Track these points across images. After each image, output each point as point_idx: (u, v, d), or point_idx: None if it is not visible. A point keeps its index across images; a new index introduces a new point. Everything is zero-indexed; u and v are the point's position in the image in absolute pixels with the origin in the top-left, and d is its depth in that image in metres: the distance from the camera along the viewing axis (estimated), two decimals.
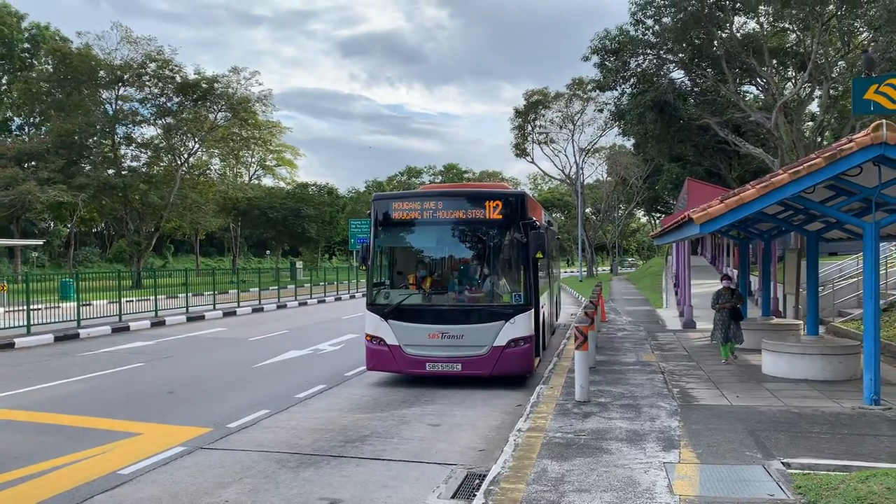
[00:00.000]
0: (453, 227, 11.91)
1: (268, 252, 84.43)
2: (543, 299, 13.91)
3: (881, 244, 11.16)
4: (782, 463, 6.74)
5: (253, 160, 70.46)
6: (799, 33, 33.73)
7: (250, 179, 72.12)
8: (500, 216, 11.55)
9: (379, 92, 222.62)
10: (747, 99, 40.18)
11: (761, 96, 38.93)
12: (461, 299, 11.74)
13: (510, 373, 11.44)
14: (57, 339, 18.26)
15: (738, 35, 33.48)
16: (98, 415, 9.69)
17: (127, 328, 21.05)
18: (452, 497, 6.41)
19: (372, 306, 11.82)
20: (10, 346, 16.98)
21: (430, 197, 12.33)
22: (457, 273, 12.05)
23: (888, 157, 8.54)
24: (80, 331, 19.35)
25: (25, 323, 18.59)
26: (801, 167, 8.89)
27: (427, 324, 11.41)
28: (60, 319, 19.98)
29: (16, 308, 19.30)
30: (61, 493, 6.45)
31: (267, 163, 72.85)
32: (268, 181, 75.66)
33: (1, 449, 8.06)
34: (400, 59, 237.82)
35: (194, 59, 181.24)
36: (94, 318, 21.31)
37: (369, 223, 12.21)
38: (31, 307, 19.16)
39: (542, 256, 11.61)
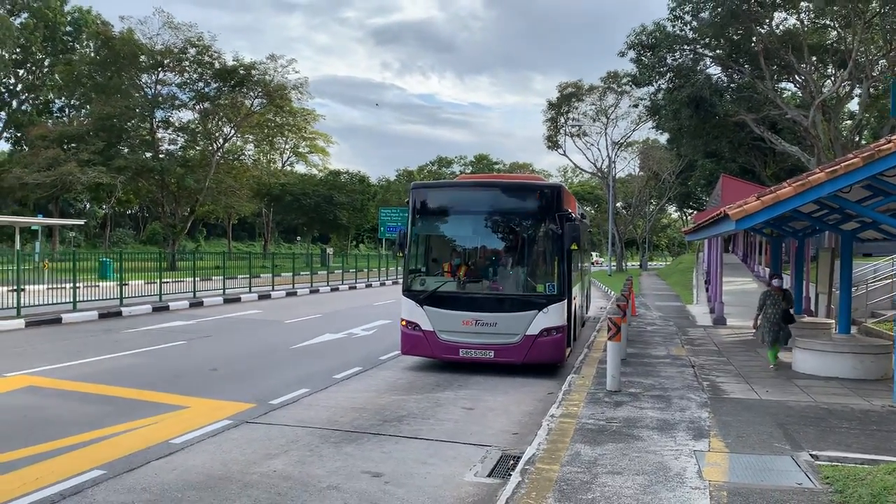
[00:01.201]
0: (489, 216, 12.09)
1: (298, 238, 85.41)
2: (575, 291, 14.05)
3: None
4: (810, 455, 6.92)
5: (286, 146, 71.21)
6: (840, 30, 33.31)
7: (283, 166, 72.95)
8: (536, 207, 11.74)
9: (411, 81, 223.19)
10: (785, 96, 39.80)
11: (799, 94, 38.54)
12: (495, 288, 11.93)
13: (542, 361, 11.62)
14: (101, 316, 18.90)
15: (778, 31, 33.18)
16: (146, 388, 10.13)
17: (167, 308, 21.67)
18: (489, 475, 6.69)
19: (408, 292, 12.07)
20: (58, 321, 17.63)
21: (468, 187, 12.60)
22: (492, 262, 12.22)
23: None
24: (122, 309, 19.99)
25: (71, 300, 19.21)
26: (839, 166, 8.99)
27: (461, 311, 11.61)
28: (102, 298, 20.58)
29: (58, 285, 19.87)
30: (120, 457, 6.85)
31: (300, 149, 73.56)
32: (300, 168, 76.49)
33: (60, 416, 8.52)
34: (432, 48, 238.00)
35: (229, 45, 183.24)
36: (134, 296, 21.90)
37: (407, 211, 12.42)
38: (74, 285, 19.78)
39: (576, 248, 11.85)
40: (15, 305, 17.59)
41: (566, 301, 11.86)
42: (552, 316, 11.48)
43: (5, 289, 19.19)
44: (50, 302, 18.78)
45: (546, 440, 7.34)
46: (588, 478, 6.13)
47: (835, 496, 5.67)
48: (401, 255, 12.42)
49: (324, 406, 9.34)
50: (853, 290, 19.93)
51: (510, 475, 6.37)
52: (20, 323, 16.69)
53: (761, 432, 7.79)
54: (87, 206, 68.68)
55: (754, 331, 13.03)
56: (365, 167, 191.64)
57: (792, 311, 12.40)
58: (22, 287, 19.46)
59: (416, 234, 12.28)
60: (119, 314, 19.55)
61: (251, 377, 11.21)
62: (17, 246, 35.29)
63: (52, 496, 5.81)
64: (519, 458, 6.92)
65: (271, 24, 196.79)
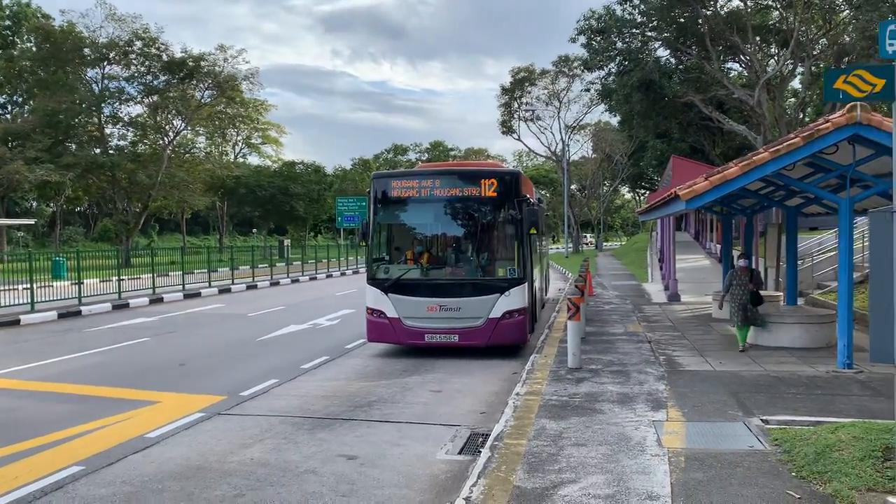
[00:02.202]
0: (450, 204, 12.36)
1: (254, 230, 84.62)
2: (535, 274, 14.40)
3: (856, 219, 11.76)
4: (761, 420, 7.35)
5: (239, 138, 70.39)
6: (782, 11, 34.25)
7: (235, 158, 72.09)
8: (496, 193, 11.99)
9: (362, 68, 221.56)
10: (731, 76, 40.78)
11: (745, 73, 39.55)
12: (458, 273, 12.26)
13: (505, 343, 11.97)
14: (60, 316, 18.66)
15: (723, 13, 33.99)
16: (115, 385, 10.17)
17: (127, 305, 21.46)
18: (459, 453, 6.97)
19: (373, 281, 12.31)
20: (17, 322, 17.38)
21: (428, 175, 12.75)
22: (454, 248, 12.60)
23: (862, 136, 9.11)
24: (81, 308, 19.75)
25: (29, 300, 18.93)
26: (781, 146, 9.45)
27: (425, 297, 11.91)
28: (58, 298, 20.30)
29: (9, 287, 19.53)
30: (97, 453, 6.95)
31: (252, 141, 72.78)
32: (253, 159, 75.68)
33: (32, 416, 8.55)
34: (383, 34, 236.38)
35: (174, 35, 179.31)
36: (92, 295, 21.63)
37: (368, 201, 12.64)
38: (26, 286, 19.49)
39: (535, 232, 12.19)
40: None
41: (527, 284, 12.21)
42: (514, 298, 11.80)
43: None
44: (6, 303, 18.46)
45: (513, 417, 7.64)
46: (554, 450, 6.45)
47: (783, 456, 6.08)
48: (363, 244, 12.63)
49: (294, 395, 9.52)
50: (800, 263, 20.72)
51: (480, 451, 6.65)
52: None
53: (715, 401, 8.22)
54: (34, 204, 67.02)
55: (719, 309, 13.33)
56: (318, 156, 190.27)
57: (760, 290, 12.13)
58: None
59: (378, 224, 12.52)
60: (79, 313, 19.32)
61: (219, 370, 11.32)
62: None
63: (34, 493, 5.91)
64: (487, 435, 7.21)
65: (217, 13, 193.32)
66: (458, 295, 11.85)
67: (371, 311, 12.30)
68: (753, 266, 18.76)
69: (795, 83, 40.48)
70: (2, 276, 20.67)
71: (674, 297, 19.97)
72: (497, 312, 11.74)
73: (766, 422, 7.27)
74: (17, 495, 5.86)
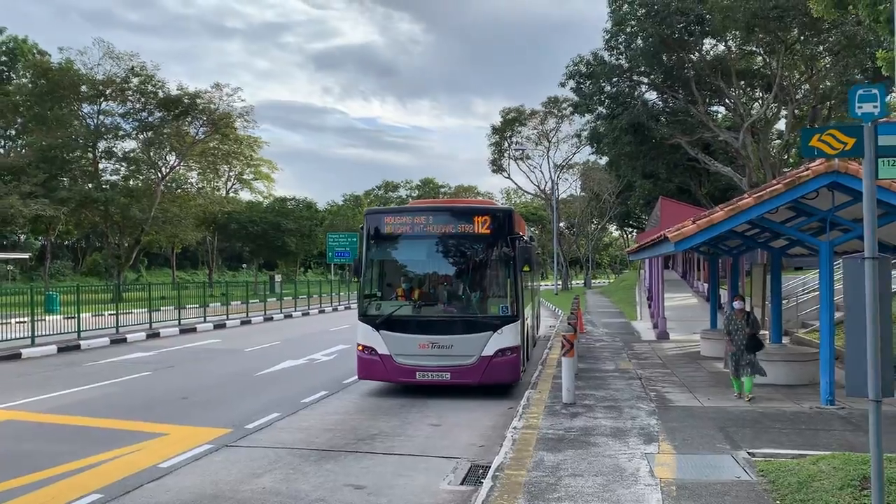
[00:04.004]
0: (443, 240, 12.38)
1: (244, 265, 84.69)
2: (527, 312, 14.48)
3: (837, 260, 12.27)
4: (748, 452, 7.74)
5: (231, 174, 70.90)
6: (765, 56, 35.36)
7: (227, 193, 72.51)
8: (489, 231, 12.03)
9: (352, 105, 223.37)
10: (717, 118, 41.85)
11: (730, 116, 40.60)
12: (450, 310, 12.21)
13: (498, 381, 11.93)
14: (60, 349, 18.83)
15: (708, 57, 35.07)
16: (122, 417, 10.44)
17: (124, 340, 21.64)
18: (461, 483, 7.32)
19: (364, 317, 12.27)
20: (18, 356, 17.56)
21: (421, 212, 12.80)
22: (446, 285, 12.48)
23: (840, 184, 9.66)
24: (80, 342, 19.93)
25: (29, 334, 19.12)
26: (764, 192, 9.99)
27: (417, 334, 11.81)
28: (54, 332, 20.46)
29: (5, 321, 19.65)
30: (113, 482, 7.23)
31: (244, 176, 73.34)
32: (245, 195, 76.14)
33: (44, 448, 8.80)
34: (373, 72, 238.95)
35: (167, 71, 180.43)
36: (88, 329, 21.81)
37: (360, 237, 12.57)
38: (19, 320, 19.69)
39: (528, 269, 12.39)
40: None
41: (520, 321, 12.19)
42: (507, 336, 11.74)
43: None
44: (7, 337, 18.63)
45: (512, 449, 7.99)
46: (553, 480, 6.80)
47: (768, 485, 6.47)
48: (356, 280, 12.67)
49: (297, 428, 9.82)
50: (785, 302, 21.25)
51: (482, 482, 6.99)
52: None
53: (704, 435, 8.60)
54: (23, 238, 66.96)
55: (724, 368, 11.67)
56: (308, 192, 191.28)
57: (758, 334, 10.91)
58: None
59: (370, 260, 12.48)
60: (78, 347, 19.50)
61: (222, 404, 11.60)
62: None
63: None
64: (488, 467, 7.54)
65: (209, 49, 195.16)
66: (450, 332, 11.77)
67: (362, 348, 12.19)
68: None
69: (780, 125, 41.63)
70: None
71: (662, 335, 20.39)
72: (489, 350, 11.65)
73: (753, 454, 7.65)
74: None
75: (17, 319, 19.87)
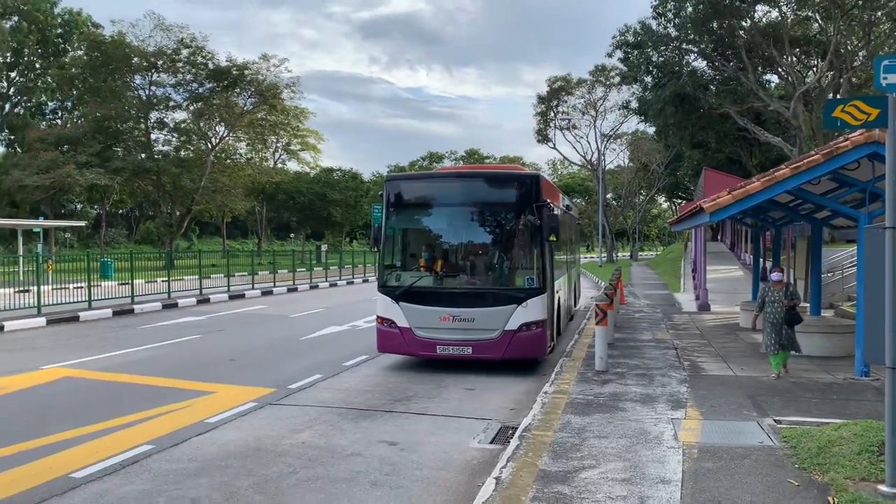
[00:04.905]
0: (466, 208, 11.75)
1: (291, 235, 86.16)
2: (559, 284, 13.86)
3: None
4: (774, 420, 7.86)
5: (279, 145, 71.94)
6: (821, 22, 34.31)
7: (275, 164, 73.65)
8: (514, 198, 11.41)
9: (398, 74, 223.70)
10: (770, 87, 40.86)
11: (782, 84, 39.60)
12: (473, 282, 11.66)
13: (522, 357, 11.37)
14: (115, 313, 19.73)
15: (761, 24, 34.17)
16: (173, 376, 11.01)
17: (176, 305, 22.51)
18: (491, 442, 7.62)
19: (383, 288, 11.78)
20: (76, 318, 18.47)
21: (443, 178, 12.38)
22: (468, 255, 11.92)
23: (880, 154, 9.54)
24: (134, 306, 20.83)
25: (86, 298, 20.04)
26: (802, 163, 9.94)
27: (438, 306, 11.28)
28: (108, 296, 21.41)
29: (63, 285, 20.66)
30: (164, 435, 7.73)
31: (291, 147, 74.30)
32: (292, 165, 77.22)
33: (99, 402, 9.40)
34: (420, 41, 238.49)
35: (216, 41, 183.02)
36: (142, 294, 22.72)
37: (382, 205, 12.09)
38: (77, 285, 20.68)
39: (555, 239, 11.33)
40: (35, 304, 18.41)
41: (547, 294, 11.52)
42: (532, 310, 11.13)
43: (11, 290, 20.07)
44: (65, 301, 19.58)
45: (540, 412, 8.25)
46: (578, 441, 7.05)
47: (789, 450, 6.61)
48: (376, 249, 12.25)
49: (338, 389, 10.24)
50: (830, 275, 20.98)
51: (510, 441, 7.27)
52: (42, 321, 17.53)
53: (732, 403, 8.73)
54: (80, 206, 69.19)
55: (752, 328, 11.74)
56: (354, 162, 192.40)
57: (797, 307, 10.38)
58: (27, 288, 20.40)
59: (390, 229, 11.96)
60: (132, 311, 20.40)
61: (267, 365, 12.10)
62: (21, 248, 35.94)
63: (114, 465, 6.70)
64: (517, 428, 7.82)
65: (257, 19, 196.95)
66: (473, 305, 11.21)
67: (381, 321, 11.75)
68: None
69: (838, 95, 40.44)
70: (54, 276, 21.89)
71: (704, 307, 20.33)
72: (513, 324, 11.05)
73: (779, 422, 7.77)
74: (101, 466, 6.65)
75: (75, 285, 20.83)
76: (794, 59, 35.73)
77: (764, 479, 5.86)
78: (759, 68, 35.79)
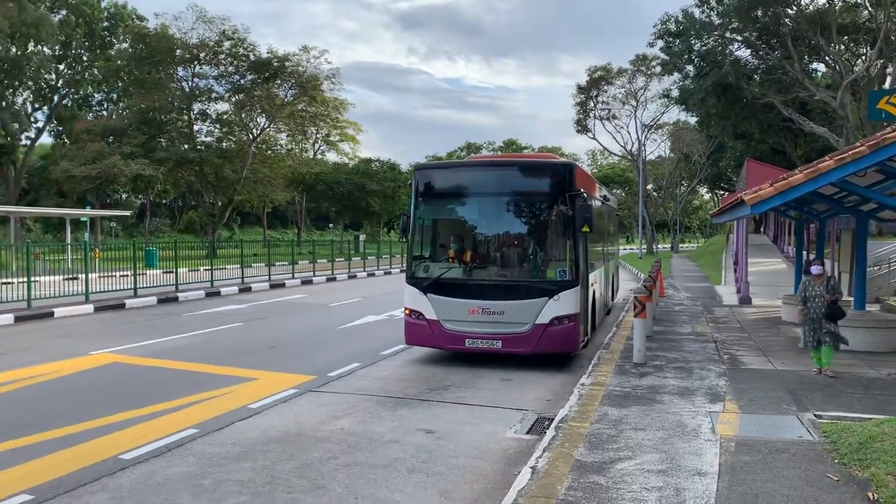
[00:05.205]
0: (496, 198, 11.44)
1: (330, 225, 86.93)
2: (595, 276, 13.58)
3: None
4: (814, 415, 7.77)
5: (318, 136, 72.54)
6: (871, 9, 33.42)
7: (315, 155, 74.31)
8: (546, 187, 11.09)
9: (437, 65, 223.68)
10: (817, 76, 39.91)
11: (829, 73, 38.67)
12: (503, 274, 11.35)
13: (553, 351, 11.04)
14: (160, 301, 20.24)
15: (807, 11, 33.38)
16: (216, 363, 11.28)
17: (218, 293, 22.99)
18: (527, 433, 7.67)
19: (411, 279, 11.58)
20: (122, 306, 18.99)
21: (473, 167, 12.02)
22: (498, 246, 11.67)
23: None
24: (178, 294, 21.34)
25: (132, 286, 20.57)
26: (847, 154, 9.74)
27: (467, 298, 11.03)
28: (153, 284, 21.93)
29: (109, 273, 21.22)
30: (208, 419, 7.95)
31: (331, 138, 74.84)
32: (331, 156, 77.81)
33: (146, 387, 9.69)
34: (459, 31, 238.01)
35: (255, 33, 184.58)
36: (186, 283, 23.23)
37: (411, 194, 11.88)
38: (123, 273, 21.25)
39: (588, 231, 10.87)
40: (84, 292, 18.96)
41: (580, 287, 11.13)
42: (564, 303, 10.79)
43: (60, 277, 20.69)
44: (112, 288, 20.13)
45: (577, 404, 8.28)
46: (614, 432, 7.07)
47: (829, 445, 6.54)
48: (405, 240, 12.03)
49: (375, 377, 10.39)
50: (877, 268, 20.53)
51: (546, 432, 7.32)
52: (89, 308, 18.08)
53: (772, 397, 8.65)
54: (125, 196, 70.67)
55: (798, 325, 11.09)
56: (392, 153, 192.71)
57: (839, 301, 10.00)
58: (75, 276, 21.02)
59: (419, 219, 11.70)
60: (176, 299, 20.90)
61: (307, 353, 12.32)
62: (68, 236, 36.96)
63: (160, 448, 6.92)
64: (553, 419, 7.86)
65: (297, 10, 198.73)
66: (502, 297, 10.93)
67: (409, 312, 11.54)
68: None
69: (886, 84, 39.35)
70: (100, 264, 22.51)
71: (745, 300, 20.06)
72: (545, 318, 10.73)
73: (819, 416, 7.68)
74: (147, 449, 6.87)
75: (121, 273, 21.39)
76: (842, 47, 34.85)
77: (802, 474, 5.82)
78: (805, 57, 35.02)
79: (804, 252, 18.89)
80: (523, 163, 12.38)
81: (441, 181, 11.72)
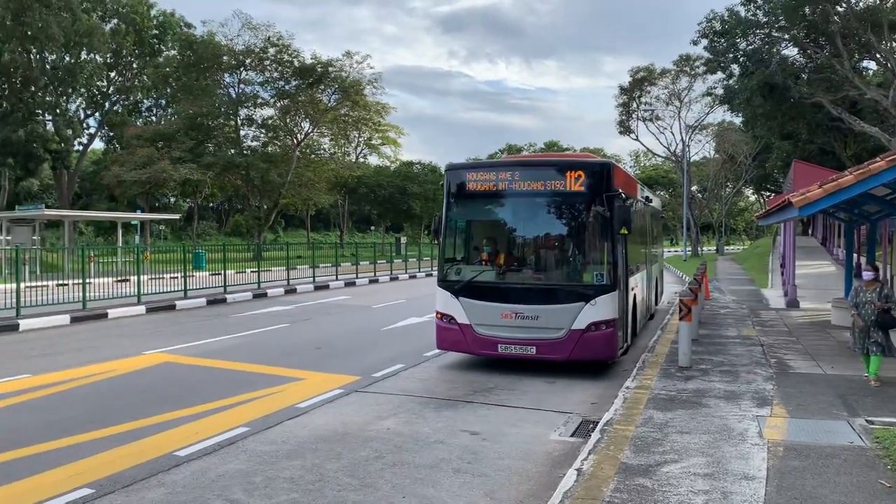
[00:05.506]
0: (531, 199, 11.08)
1: (371, 227, 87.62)
2: (636, 280, 13.21)
3: None
4: (866, 420, 7.65)
5: (360, 139, 73.21)
6: None
7: (357, 158, 75.01)
8: (582, 188, 10.61)
9: (478, 68, 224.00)
10: (867, 74, 38.94)
11: (881, 71, 37.69)
12: (537, 277, 11.07)
13: (589, 359, 10.68)
14: (209, 302, 20.71)
15: (858, 8, 32.62)
16: (264, 363, 11.52)
17: (265, 294, 23.42)
18: (571, 435, 7.70)
19: (443, 282, 11.31)
20: (172, 307, 19.47)
21: (507, 167, 11.49)
22: (533, 249, 11.38)
23: None
24: (226, 296, 21.80)
25: (182, 288, 21.10)
26: None
27: (500, 302, 10.74)
28: (201, 286, 22.44)
29: (158, 275, 21.85)
30: (258, 418, 8.15)
31: (373, 142, 75.44)
32: (373, 159, 78.43)
33: (197, 386, 9.96)
34: (500, 34, 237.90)
35: (300, 39, 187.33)
36: (233, 284, 23.71)
37: (443, 195, 11.59)
38: (172, 275, 21.80)
39: (626, 233, 10.67)
40: (136, 294, 19.50)
41: (618, 292, 10.71)
42: (601, 308, 10.40)
43: (112, 279, 21.30)
44: (162, 290, 20.67)
45: (622, 407, 8.27)
46: (659, 436, 7.06)
47: (881, 451, 6.45)
48: (436, 242, 11.75)
49: (419, 378, 10.51)
50: None
51: (590, 435, 7.34)
52: (141, 309, 18.59)
53: (821, 402, 8.52)
54: (173, 200, 72.28)
55: (851, 336, 10.40)
56: (433, 156, 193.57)
57: (892, 310, 9.52)
58: (126, 278, 21.62)
59: (451, 220, 11.43)
60: (224, 301, 21.35)
61: (352, 354, 12.50)
62: (120, 239, 38.00)
63: (213, 445, 7.12)
64: (597, 422, 7.87)
65: (340, 16, 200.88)
66: (537, 302, 10.61)
67: (440, 316, 11.25)
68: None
69: None
70: (150, 266, 23.13)
71: (792, 303, 19.70)
72: (581, 323, 10.36)
73: (871, 422, 7.55)
74: (201, 446, 7.08)
75: (170, 275, 21.96)
76: (894, 44, 33.93)
77: (853, 480, 5.75)
78: (855, 55, 34.20)
79: (854, 255, 18.48)
80: (559, 162, 11.98)
81: (474, 181, 11.27)
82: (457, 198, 11.37)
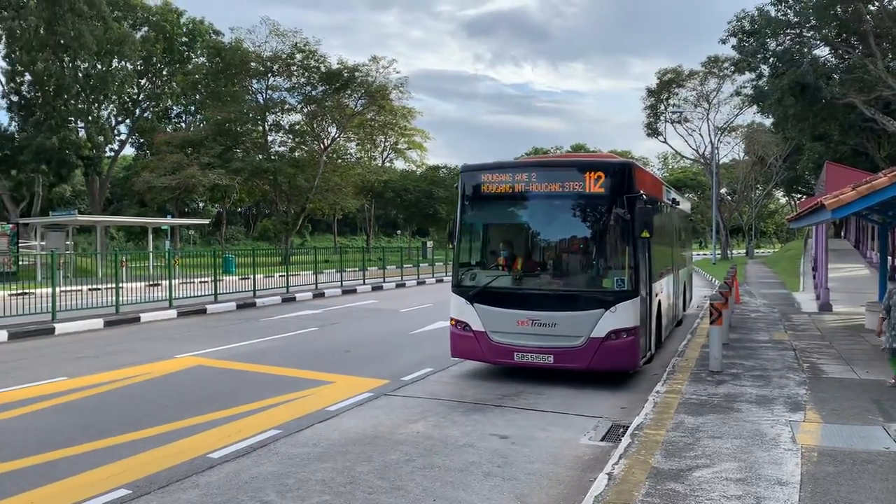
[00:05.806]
0: (548, 201, 10.63)
1: (398, 231, 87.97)
2: (661, 286, 12.71)
3: None
4: None
5: (387, 144, 73.53)
6: None
7: (383, 162, 75.35)
8: (602, 189, 10.14)
9: (503, 71, 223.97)
10: None
11: None
12: (555, 283, 10.69)
13: (609, 368, 10.26)
14: (238, 306, 20.96)
15: (891, 7, 32.10)
16: (294, 366, 11.65)
17: (293, 298, 23.62)
18: (601, 440, 7.68)
19: (458, 288, 10.93)
20: (203, 311, 19.73)
21: (524, 168, 10.97)
22: (550, 253, 11.04)
23: None
24: (256, 300, 22.04)
25: (212, 292, 21.38)
26: None
27: (516, 309, 10.34)
28: (231, 290, 22.71)
29: (188, 280, 22.16)
30: (289, 420, 8.24)
31: (399, 146, 75.76)
32: (399, 164, 78.75)
33: (230, 389, 10.09)
34: (525, 37, 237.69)
35: (326, 44, 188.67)
36: (262, 289, 23.97)
37: (457, 197, 11.19)
38: (202, 280, 22.07)
39: (648, 236, 10.25)
40: (167, 298, 19.79)
41: (640, 298, 10.29)
42: (622, 315, 9.96)
43: (143, 284, 21.65)
44: (193, 294, 20.96)
45: (652, 411, 8.24)
46: (691, 441, 7.02)
47: None
48: (451, 246, 11.42)
49: (447, 382, 10.55)
50: None
51: (621, 439, 7.32)
52: (173, 313, 18.88)
53: (856, 407, 8.41)
54: (202, 205, 73.16)
55: (877, 336, 10.69)
56: (458, 159, 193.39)
57: None
58: (157, 282, 21.95)
59: (466, 223, 11.08)
60: (254, 304, 21.59)
61: (381, 358, 12.58)
62: (150, 244, 38.56)
63: (246, 447, 7.22)
64: (627, 427, 7.84)
65: (366, 22, 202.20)
66: (554, 308, 10.20)
67: (455, 323, 10.88)
68: None
69: None
70: (181, 270, 23.48)
71: (825, 307, 19.42)
72: (600, 331, 9.91)
73: None
74: (234, 448, 7.19)
75: (200, 279, 22.26)
76: None
77: (889, 486, 5.68)
78: (889, 54, 33.61)
79: (889, 258, 18.18)
80: (577, 162, 11.35)
81: (489, 183, 10.81)
82: (472, 200, 11.00)
